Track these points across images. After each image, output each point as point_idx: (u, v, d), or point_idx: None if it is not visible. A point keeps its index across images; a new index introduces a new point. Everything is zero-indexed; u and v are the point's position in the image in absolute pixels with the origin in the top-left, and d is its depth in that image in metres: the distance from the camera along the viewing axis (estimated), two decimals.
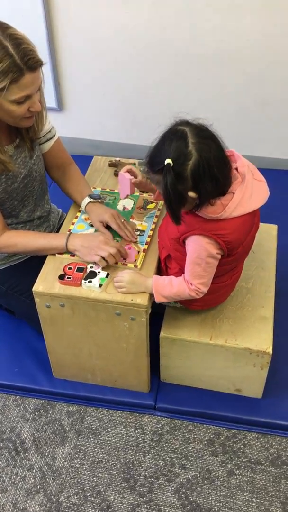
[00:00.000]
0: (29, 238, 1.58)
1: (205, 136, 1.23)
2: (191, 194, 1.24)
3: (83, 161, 1.94)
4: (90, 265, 1.51)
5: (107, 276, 1.49)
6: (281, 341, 1.77)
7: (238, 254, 1.41)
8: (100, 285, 1.46)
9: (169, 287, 1.44)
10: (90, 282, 1.46)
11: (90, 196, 1.66)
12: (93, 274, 1.49)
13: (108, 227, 1.61)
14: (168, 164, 1.19)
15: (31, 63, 1.34)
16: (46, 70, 2.49)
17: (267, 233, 1.87)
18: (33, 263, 1.70)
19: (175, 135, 1.22)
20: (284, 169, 2.58)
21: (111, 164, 1.90)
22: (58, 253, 1.56)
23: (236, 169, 1.33)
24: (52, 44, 2.41)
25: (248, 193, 1.32)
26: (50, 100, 2.62)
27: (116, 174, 1.85)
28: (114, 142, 2.72)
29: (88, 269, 1.50)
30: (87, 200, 1.66)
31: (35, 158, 1.67)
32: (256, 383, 1.64)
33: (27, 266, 1.75)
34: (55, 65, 2.49)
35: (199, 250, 1.35)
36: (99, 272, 1.50)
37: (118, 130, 2.70)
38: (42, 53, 2.38)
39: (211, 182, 1.23)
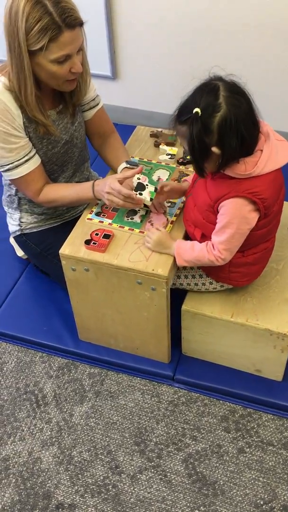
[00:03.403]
0: (61, 194, 1.63)
1: (237, 92, 1.22)
2: (215, 149, 1.23)
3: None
4: (137, 176, 1.51)
5: (155, 190, 1.51)
6: None
7: (274, 213, 1.39)
8: (151, 199, 1.49)
9: (190, 251, 1.44)
10: (140, 194, 1.48)
11: (127, 162, 1.67)
12: (141, 187, 1.50)
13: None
14: (196, 113, 1.19)
15: (70, 20, 1.34)
16: (102, 39, 2.55)
17: None
18: (68, 227, 1.74)
19: (207, 87, 1.22)
20: None
21: (152, 135, 1.89)
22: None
23: None
24: (109, 12, 2.41)
25: (275, 150, 1.31)
26: (105, 68, 2.63)
27: (156, 145, 1.85)
28: (168, 114, 2.69)
29: (135, 181, 1.50)
30: (123, 165, 1.67)
31: (77, 124, 1.69)
32: (276, 365, 1.62)
33: (62, 229, 1.79)
34: (111, 33, 2.49)
35: (234, 213, 1.33)
36: (146, 185, 1.50)
37: (172, 101, 2.66)
38: (99, 21, 2.44)
39: (236, 139, 1.22)
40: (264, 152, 1.29)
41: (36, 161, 1.59)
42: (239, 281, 1.55)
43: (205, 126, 1.20)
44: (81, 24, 1.39)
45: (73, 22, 1.36)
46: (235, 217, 1.33)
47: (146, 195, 1.49)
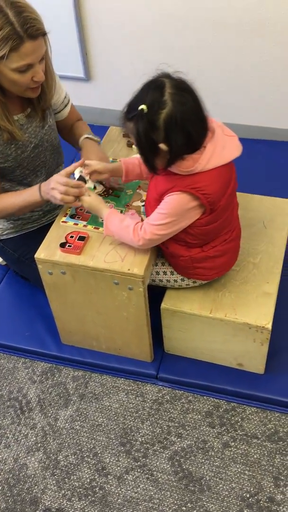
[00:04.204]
0: (8, 203, 1.61)
1: (183, 88, 1.23)
2: (162, 146, 1.24)
3: None
4: (79, 169, 1.52)
5: (94, 188, 1.54)
6: (285, 318, 1.74)
7: (221, 208, 1.39)
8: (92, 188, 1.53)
9: (118, 223, 1.44)
10: (85, 182, 1.51)
11: (88, 134, 1.70)
12: (83, 180, 1.51)
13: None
14: (141, 109, 1.19)
15: (31, 31, 1.34)
16: (73, 40, 2.54)
17: (281, 208, 1.82)
18: (45, 231, 1.74)
19: (153, 84, 1.23)
20: None
21: (125, 135, 1.89)
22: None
23: None
24: (78, 13, 2.40)
25: (220, 146, 1.32)
26: (77, 70, 2.62)
27: (129, 144, 1.85)
28: None
29: (78, 174, 1.51)
30: (83, 136, 1.69)
31: (47, 128, 1.69)
32: (257, 358, 1.63)
33: (39, 234, 1.78)
34: (82, 34, 2.48)
35: (175, 206, 1.34)
36: (87, 180, 1.52)
37: None
38: (69, 22, 2.43)
39: (182, 136, 1.23)
40: (207, 149, 1.30)
41: None
42: (207, 275, 1.55)
43: (151, 123, 1.21)
44: (43, 34, 1.39)
45: (35, 32, 1.36)
46: (175, 210, 1.34)
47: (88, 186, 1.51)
